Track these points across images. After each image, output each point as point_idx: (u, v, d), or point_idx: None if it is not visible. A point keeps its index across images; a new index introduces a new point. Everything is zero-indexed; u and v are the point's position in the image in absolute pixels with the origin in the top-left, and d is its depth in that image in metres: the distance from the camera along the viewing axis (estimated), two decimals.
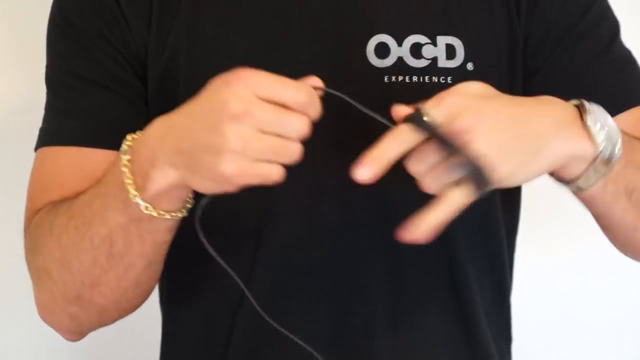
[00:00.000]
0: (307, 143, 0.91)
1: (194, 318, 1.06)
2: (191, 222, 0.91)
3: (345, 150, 0.94)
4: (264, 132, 0.82)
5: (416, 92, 0.92)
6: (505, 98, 0.88)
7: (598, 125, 0.89)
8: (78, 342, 1.06)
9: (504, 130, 0.85)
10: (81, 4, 1.04)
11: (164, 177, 0.87)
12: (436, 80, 1.00)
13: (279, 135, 0.83)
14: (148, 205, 0.90)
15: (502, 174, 0.85)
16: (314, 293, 1.01)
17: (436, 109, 0.84)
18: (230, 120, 0.81)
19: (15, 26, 1.49)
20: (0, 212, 1.48)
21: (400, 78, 0.99)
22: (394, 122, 0.86)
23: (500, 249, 1.09)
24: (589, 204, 0.97)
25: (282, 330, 0.93)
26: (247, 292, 0.93)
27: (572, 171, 0.91)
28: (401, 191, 1.00)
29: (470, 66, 1.01)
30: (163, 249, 0.97)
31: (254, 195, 0.89)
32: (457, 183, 0.85)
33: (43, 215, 1.00)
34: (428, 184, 0.86)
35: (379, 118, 0.87)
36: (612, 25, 1.06)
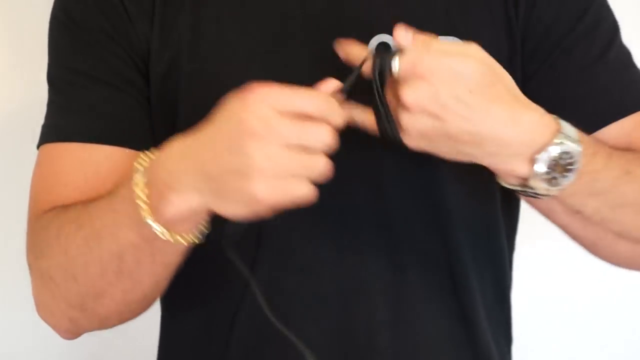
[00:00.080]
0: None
1: (193, 319, 1.06)
2: None
3: (346, 150, 0.94)
4: (289, 147, 0.81)
5: None
6: (498, 91, 0.87)
7: (544, 169, 0.88)
8: (78, 342, 1.06)
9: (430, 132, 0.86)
10: (84, 1, 1.03)
11: (185, 202, 0.86)
12: None
13: (304, 150, 0.81)
14: (164, 230, 0.89)
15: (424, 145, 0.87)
16: (315, 293, 1.01)
17: (405, 65, 0.85)
18: (252, 139, 0.80)
19: (15, 25, 1.49)
20: (0, 211, 1.48)
21: None
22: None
23: (501, 249, 1.09)
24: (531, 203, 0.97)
25: (286, 332, 0.91)
26: (263, 305, 0.92)
27: (501, 177, 0.92)
28: (402, 191, 1.00)
29: None
30: (173, 269, 0.96)
31: None
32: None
33: (50, 218, 0.99)
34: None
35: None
36: (610, 28, 1.05)
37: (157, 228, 0.89)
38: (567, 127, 0.90)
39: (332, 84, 0.85)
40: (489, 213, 1.06)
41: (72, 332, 1.03)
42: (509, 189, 0.93)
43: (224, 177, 0.82)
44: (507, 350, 1.12)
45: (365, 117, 0.90)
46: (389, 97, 0.88)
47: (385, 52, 0.86)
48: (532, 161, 0.88)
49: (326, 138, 0.82)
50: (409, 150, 0.89)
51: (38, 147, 1.05)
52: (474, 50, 0.87)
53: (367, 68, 0.87)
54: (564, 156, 0.89)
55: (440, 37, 0.99)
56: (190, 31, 1.01)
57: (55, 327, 1.03)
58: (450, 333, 1.05)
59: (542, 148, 0.88)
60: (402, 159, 0.98)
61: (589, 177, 0.92)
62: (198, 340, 1.06)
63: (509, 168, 0.89)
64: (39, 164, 1.04)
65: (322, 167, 0.83)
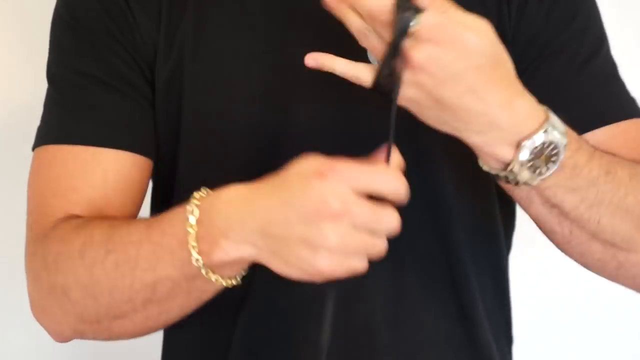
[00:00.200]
0: (310, 138, 0.91)
1: (195, 322, 1.05)
2: None
3: (346, 150, 0.94)
4: (358, 228, 0.83)
5: None
6: (498, 70, 0.87)
7: (527, 156, 0.89)
8: (78, 343, 1.06)
9: (443, 93, 0.86)
10: (89, 1, 1.03)
11: (236, 251, 0.87)
12: None
13: (371, 232, 0.84)
14: (209, 271, 0.90)
15: (424, 113, 0.87)
16: (315, 293, 1.01)
17: (425, 26, 0.84)
18: (330, 219, 0.82)
19: (17, 24, 1.49)
20: (1, 212, 1.48)
21: None
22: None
23: (500, 249, 1.09)
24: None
25: None
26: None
27: (482, 159, 0.92)
28: None
29: None
30: (203, 303, 0.96)
31: None
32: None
33: (70, 232, 0.97)
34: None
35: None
36: (596, 39, 1.05)
37: (204, 270, 0.89)
38: (555, 119, 0.90)
39: (399, 161, 0.87)
40: (487, 213, 1.06)
41: (69, 339, 1.02)
42: (488, 173, 0.93)
43: (291, 243, 0.84)
44: (507, 350, 1.12)
45: (355, 68, 0.90)
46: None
47: (407, 8, 0.85)
48: (517, 147, 0.89)
49: (394, 226, 0.85)
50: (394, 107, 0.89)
51: (36, 146, 1.04)
52: (488, 29, 0.87)
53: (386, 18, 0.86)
54: (549, 146, 0.89)
55: None
56: (193, 32, 1.01)
57: (52, 333, 1.02)
58: (450, 333, 1.05)
59: (529, 135, 0.89)
60: (404, 159, 0.98)
61: (570, 171, 0.92)
62: (200, 343, 1.06)
63: (493, 150, 0.90)
64: (39, 166, 1.03)
65: (382, 248, 0.86)
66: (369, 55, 0.97)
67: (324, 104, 0.99)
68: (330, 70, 0.89)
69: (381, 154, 0.87)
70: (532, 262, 1.54)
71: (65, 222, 0.99)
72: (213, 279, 0.90)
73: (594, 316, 1.68)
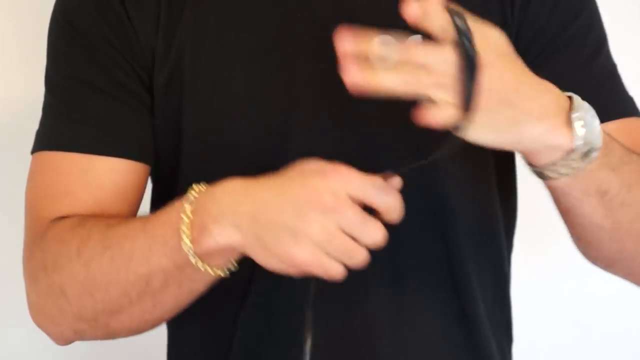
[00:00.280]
0: (311, 138, 0.91)
1: (197, 322, 1.06)
2: None
3: (346, 150, 0.94)
4: (344, 231, 0.86)
5: None
6: (521, 67, 0.89)
7: (581, 123, 0.90)
8: (79, 344, 1.06)
9: (500, 88, 0.86)
10: (86, 7, 1.03)
11: (223, 236, 0.89)
12: None
13: (355, 239, 0.86)
14: (197, 259, 0.91)
15: (478, 124, 0.85)
16: (316, 294, 1.01)
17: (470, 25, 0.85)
18: (319, 211, 0.85)
19: (17, 25, 1.49)
20: (1, 212, 1.48)
21: None
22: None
23: (501, 249, 1.09)
24: (555, 195, 0.97)
25: None
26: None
27: (543, 159, 0.91)
28: (402, 191, 1.00)
29: None
30: (195, 297, 0.97)
31: None
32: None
33: (66, 232, 0.98)
34: (411, 72, 0.84)
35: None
36: (598, 37, 1.06)
37: (193, 258, 0.91)
38: (577, 99, 0.91)
39: (396, 181, 0.90)
40: (488, 213, 1.06)
41: (70, 341, 1.03)
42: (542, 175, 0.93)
43: (276, 229, 0.86)
44: (507, 350, 1.12)
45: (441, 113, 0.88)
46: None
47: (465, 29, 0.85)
48: (569, 125, 0.89)
49: (379, 239, 0.88)
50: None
51: (33, 152, 1.04)
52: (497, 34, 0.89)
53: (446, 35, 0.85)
54: (589, 112, 0.90)
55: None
56: (192, 33, 1.01)
57: (53, 336, 1.03)
58: (451, 333, 1.05)
59: (570, 108, 0.90)
60: (403, 159, 0.98)
61: (605, 146, 0.92)
62: (202, 343, 1.07)
63: (553, 137, 0.89)
64: (35, 172, 1.04)
65: (361, 258, 0.88)
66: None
67: (324, 104, 0.99)
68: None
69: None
70: (532, 262, 1.54)
71: (62, 222, 1.00)
72: (201, 268, 0.91)
73: (594, 316, 1.68)
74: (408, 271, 1.03)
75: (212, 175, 0.93)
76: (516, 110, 0.87)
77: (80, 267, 0.96)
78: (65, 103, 1.04)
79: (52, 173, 1.02)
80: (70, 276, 0.97)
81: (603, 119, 1.00)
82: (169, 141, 1.03)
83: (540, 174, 0.93)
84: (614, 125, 1.02)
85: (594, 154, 0.91)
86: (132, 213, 1.04)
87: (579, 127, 0.90)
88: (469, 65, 0.84)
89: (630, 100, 1.06)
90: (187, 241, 0.91)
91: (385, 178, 0.90)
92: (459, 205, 1.03)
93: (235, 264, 0.94)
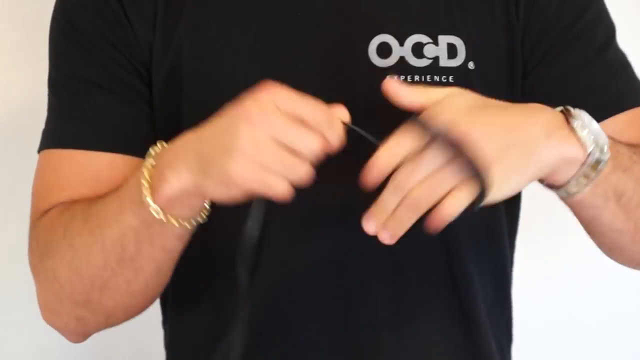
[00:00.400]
0: None
1: (196, 319, 1.06)
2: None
3: (345, 150, 0.94)
4: (277, 142, 0.83)
5: None
6: (494, 107, 0.88)
7: (585, 130, 0.90)
8: (79, 344, 1.06)
9: (496, 138, 0.85)
10: (84, 6, 1.03)
11: (177, 180, 0.88)
12: (437, 80, 1.00)
13: (291, 151, 0.83)
14: (159, 209, 0.91)
15: (499, 180, 0.85)
16: (316, 293, 1.01)
17: (434, 119, 0.84)
18: (246, 123, 0.83)
19: (18, 25, 1.49)
20: (2, 212, 1.48)
21: (402, 78, 0.99)
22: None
23: (502, 249, 1.09)
24: (578, 209, 0.97)
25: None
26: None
27: (563, 175, 0.91)
28: None
29: (471, 65, 1.01)
30: (173, 256, 0.97)
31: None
32: (454, 188, 0.85)
33: (55, 218, 0.99)
34: (419, 196, 0.85)
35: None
36: (608, 29, 1.06)
37: (153, 206, 0.90)
38: (571, 108, 0.91)
39: (342, 112, 0.87)
40: (491, 213, 1.06)
41: (78, 332, 1.03)
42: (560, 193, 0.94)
43: (212, 152, 0.85)
44: (507, 349, 1.12)
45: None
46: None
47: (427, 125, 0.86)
48: (578, 140, 0.89)
49: (314, 146, 0.84)
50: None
51: (39, 151, 1.05)
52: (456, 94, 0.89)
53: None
54: (586, 118, 0.90)
55: (439, 37, 0.99)
56: (191, 32, 1.02)
57: (61, 330, 1.03)
58: (451, 332, 1.05)
59: (570, 119, 0.89)
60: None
61: (613, 149, 0.92)
62: (201, 342, 1.06)
63: (566, 150, 0.89)
64: (40, 170, 1.05)
65: (302, 172, 0.84)
66: (369, 54, 0.97)
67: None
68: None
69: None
70: (533, 263, 1.53)
71: (52, 210, 1.01)
72: (164, 219, 0.91)
73: (594, 316, 1.68)
74: (408, 271, 1.03)
75: None
76: (521, 143, 0.87)
77: (67, 247, 0.97)
78: (65, 101, 1.04)
79: (52, 170, 1.03)
80: (60, 259, 0.97)
81: (617, 110, 1.01)
82: (168, 136, 1.03)
83: (564, 191, 0.93)
84: (628, 115, 1.02)
85: (606, 156, 0.91)
86: None
87: (583, 133, 0.90)
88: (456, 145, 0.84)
89: None
90: (146, 193, 0.90)
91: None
92: None
93: (204, 216, 0.93)
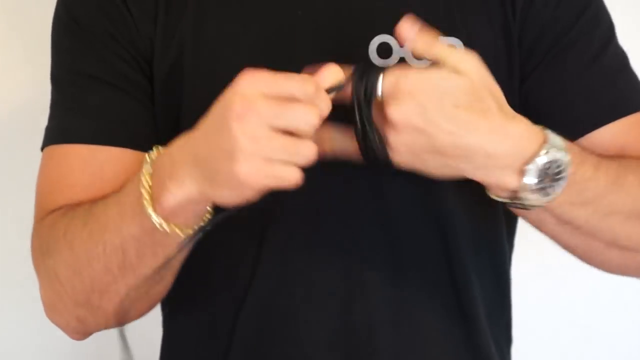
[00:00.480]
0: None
1: (195, 319, 1.06)
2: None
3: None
4: (274, 129, 0.81)
5: None
6: (473, 114, 0.87)
7: (534, 180, 0.88)
8: (79, 343, 1.06)
9: (422, 141, 0.86)
10: (87, 2, 1.04)
11: (180, 190, 0.87)
12: None
13: (291, 133, 0.81)
14: (162, 220, 0.90)
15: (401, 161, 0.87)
16: (316, 292, 1.01)
17: (389, 84, 0.85)
18: (236, 120, 0.81)
19: (19, 24, 1.49)
20: (2, 212, 1.48)
21: None
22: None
23: (501, 249, 1.09)
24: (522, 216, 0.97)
25: None
26: None
27: (493, 192, 0.92)
28: (402, 191, 1.00)
29: None
30: (175, 264, 0.96)
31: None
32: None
33: (58, 217, 0.99)
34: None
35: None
36: (605, 30, 1.05)
37: (156, 218, 0.89)
38: (553, 137, 0.90)
39: (332, 70, 0.85)
40: (490, 214, 1.06)
41: (80, 332, 1.03)
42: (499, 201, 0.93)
43: (213, 159, 0.83)
44: (507, 350, 1.12)
45: (348, 144, 0.90)
46: (375, 118, 0.88)
47: (368, 72, 0.86)
48: (522, 173, 0.88)
49: (311, 119, 0.82)
50: (397, 170, 0.89)
51: (42, 148, 1.05)
52: (467, 64, 0.87)
53: (347, 91, 0.87)
54: (552, 165, 0.89)
55: (441, 38, 0.99)
56: (193, 30, 1.02)
57: (63, 328, 1.03)
58: (450, 333, 1.05)
59: (531, 159, 0.88)
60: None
61: (578, 186, 0.92)
62: (201, 340, 1.06)
63: (499, 181, 0.89)
64: (43, 166, 1.05)
65: (307, 151, 0.82)
66: (370, 54, 0.97)
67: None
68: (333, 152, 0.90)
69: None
70: (533, 263, 1.53)
71: (57, 210, 1.00)
72: (167, 229, 0.90)
73: (594, 317, 1.68)
74: (408, 271, 1.02)
75: None
76: (451, 159, 0.87)
77: (66, 247, 0.96)
78: (68, 97, 1.04)
79: (56, 166, 1.03)
80: (60, 258, 0.97)
81: (613, 117, 1.00)
82: (169, 133, 1.03)
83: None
84: (625, 122, 1.01)
85: (541, 201, 0.90)
86: None
87: (531, 184, 0.89)
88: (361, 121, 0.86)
89: None
90: (147, 205, 0.89)
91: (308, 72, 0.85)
92: (459, 205, 1.03)
93: (206, 220, 0.92)
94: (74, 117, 1.03)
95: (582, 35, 1.02)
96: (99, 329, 1.03)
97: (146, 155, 0.91)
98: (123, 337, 0.93)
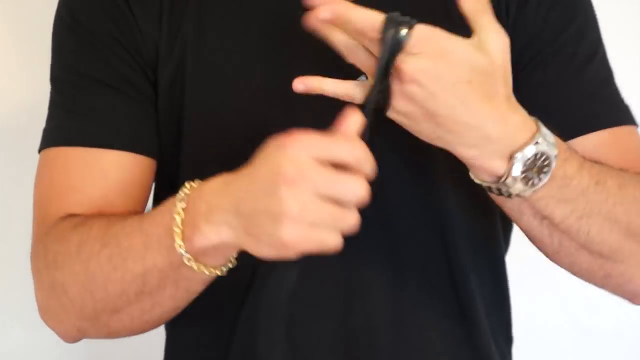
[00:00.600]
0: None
1: (196, 322, 1.06)
2: None
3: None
4: (321, 197, 0.81)
5: None
6: (477, 88, 0.87)
7: (521, 168, 0.89)
8: (79, 344, 1.06)
9: (433, 105, 0.86)
10: (90, 4, 1.03)
11: (216, 234, 0.87)
12: None
13: (337, 201, 0.82)
14: (191, 257, 0.90)
15: (400, 119, 0.87)
16: (316, 292, 1.01)
17: (419, 38, 0.86)
18: (286, 185, 0.81)
19: (19, 24, 1.49)
20: (2, 212, 1.48)
21: None
22: None
23: (499, 249, 1.10)
24: (500, 204, 0.97)
25: None
26: None
27: (478, 176, 0.92)
28: (402, 191, 1.00)
29: None
30: (194, 296, 0.97)
31: None
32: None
33: (67, 230, 0.98)
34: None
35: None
36: (593, 43, 1.05)
37: (185, 254, 0.90)
38: (545, 130, 0.91)
39: (357, 119, 0.85)
40: (486, 212, 1.06)
41: (77, 338, 1.03)
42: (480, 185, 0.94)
43: (256, 217, 0.83)
44: (507, 350, 1.12)
45: (344, 86, 0.91)
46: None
47: (402, 21, 0.86)
48: (510, 159, 0.89)
49: (359, 191, 0.82)
50: (386, 119, 0.89)
51: (40, 149, 1.04)
52: (496, 45, 0.88)
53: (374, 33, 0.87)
54: (540, 157, 0.90)
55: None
56: (194, 33, 1.02)
57: (59, 333, 1.03)
58: (450, 333, 1.05)
59: (521, 148, 0.89)
60: (402, 159, 0.98)
61: (561, 182, 0.92)
62: (202, 341, 1.07)
63: (486, 164, 0.90)
64: (44, 168, 1.04)
65: (352, 221, 0.83)
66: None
67: (324, 102, 0.99)
68: (320, 92, 0.90)
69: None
70: (532, 262, 1.53)
71: (65, 220, 1.00)
72: (196, 268, 0.90)
73: (594, 317, 1.68)
74: (407, 271, 1.03)
75: (211, 172, 0.93)
76: (445, 130, 0.88)
77: (80, 265, 0.96)
78: (70, 99, 1.04)
79: (58, 169, 1.02)
80: (71, 274, 0.97)
81: (590, 129, 1.01)
82: (171, 138, 1.04)
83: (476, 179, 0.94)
84: (602, 135, 1.02)
85: (526, 192, 0.91)
86: (139, 209, 1.03)
87: (517, 170, 0.89)
88: (383, 60, 0.85)
89: (624, 109, 1.05)
90: (179, 241, 0.89)
91: (346, 120, 0.85)
92: (457, 205, 1.03)
93: (234, 261, 0.93)
94: (75, 120, 1.02)
95: (570, 43, 1.03)
96: (97, 338, 1.03)
97: (180, 193, 0.91)
98: None
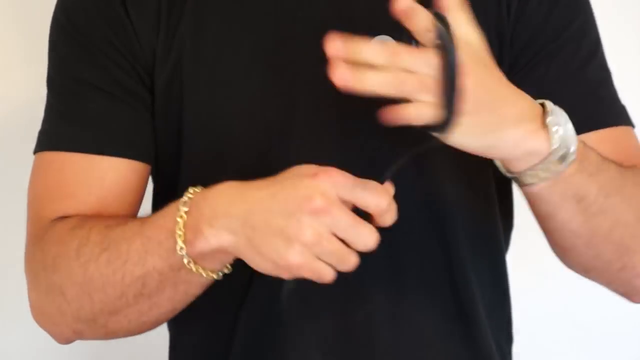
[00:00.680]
0: (311, 138, 0.91)
1: (196, 322, 1.06)
2: None
3: (345, 150, 0.94)
4: (335, 234, 0.86)
5: None
6: (495, 69, 0.90)
7: (555, 128, 0.90)
8: (79, 344, 1.06)
9: (481, 93, 0.86)
10: (87, 7, 1.04)
11: (216, 239, 0.89)
12: None
13: (346, 242, 0.86)
14: (191, 260, 0.92)
15: (460, 127, 0.86)
16: (315, 292, 1.01)
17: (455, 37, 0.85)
18: (311, 214, 0.85)
19: (19, 24, 1.49)
20: (2, 213, 1.48)
21: None
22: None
23: (499, 248, 1.10)
24: (533, 200, 0.97)
25: None
26: None
27: (521, 164, 0.92)
28: (401, 191, 1.00)
29: None
30: (191, 299, 0.98)
31: None
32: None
33: (65, 233, 0.99)
34: (392, 75, 0.84)
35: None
36: (591, 44, 1.06)
37: (186, 257, 0.91)
38: (549, 104, 0.92)
39: (390, 189, 0.89)
40: (487, 212, 1.07)
41: (70, 340, 1.04)
42: (510, 179, 0.94)
43: (268, 233, 0.86)
44: (507, 350, 1.13)
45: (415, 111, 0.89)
46: None
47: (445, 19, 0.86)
48: (545, 129, 0.90)
49: (370, 243, 0.87)
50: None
51: (36, 151, 1.05)
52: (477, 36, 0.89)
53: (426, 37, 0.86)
54: (566, 123, 0.91)
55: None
56: (192, 35, 1.02)
57: (53, 335, 1.04)
58: (450, 332, 1.05)
59: (545, 114, 0.90)
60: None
61: (582, 150, 0.93)
62: (203, 342, 1.07)
63: (530, 144, 0.90)
64: (38, 171, 1.05)
65: (351, 263, 0.88)
66: None
67: (323, 104, 0.99)
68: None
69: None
70: (533, 262, 1.53)
71: (63, 222, 1.00)
72: (194, 270, 0.92)
73: (594, 316, 1.68)
74: (407, 270, 1.03)
75: (211, 175, 0.94)
76: (496, 115, 0.88)
77: (79, 268, 0.96)
78: (66, 103, 1.04)
79: (54, 173, 1.03)
80: (69, 277, 0.97)
81: (589, 128, 1.02)
82: (169, 141, 1.04)
83: (518, 179, 0.94)
84: (600, 134, 1.03)
85: (571, 157, 0.91)
86: (133, 213, 1.04)
87: (554, 130, 0.90)
88: (451, 69, 0.84)
89: (620, 109, 1.06)
90: (181, 243, 0.91)
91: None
92: (457, 204, 1.04)
93: (230, 267, 0.94)
94: (71, 125, 1.03)
95: (567, 45, 1.04)
96: (93, 339, 1.03)
97: (184, 197, 0.92)
98: None
